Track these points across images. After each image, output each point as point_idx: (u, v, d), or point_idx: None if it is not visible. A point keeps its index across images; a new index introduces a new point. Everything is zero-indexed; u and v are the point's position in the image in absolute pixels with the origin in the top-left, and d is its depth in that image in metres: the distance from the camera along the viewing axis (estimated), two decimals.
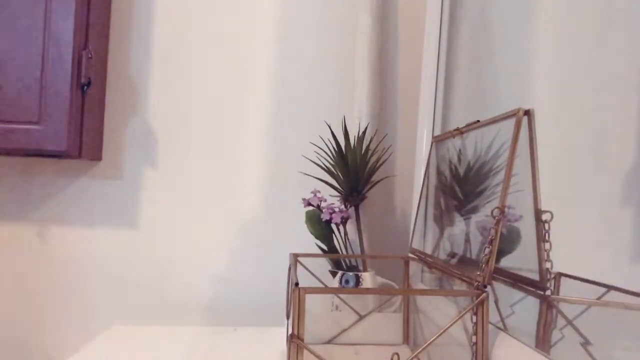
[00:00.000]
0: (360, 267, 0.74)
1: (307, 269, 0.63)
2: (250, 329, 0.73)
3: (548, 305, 0.41)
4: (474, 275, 0.43)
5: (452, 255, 0.61)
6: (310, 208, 0.75)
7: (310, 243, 0.78)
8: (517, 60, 0.58)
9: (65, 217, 0.87)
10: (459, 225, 0.61)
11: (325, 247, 0.76)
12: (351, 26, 0.88)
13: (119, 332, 0.69)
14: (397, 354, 0.50)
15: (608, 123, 0.40)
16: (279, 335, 0.65)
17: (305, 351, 0.38)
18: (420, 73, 0.85)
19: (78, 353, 0.61)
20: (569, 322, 0.40)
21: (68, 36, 0.74)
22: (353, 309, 0.64)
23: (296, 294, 0.38)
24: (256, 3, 0.89)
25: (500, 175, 0.46)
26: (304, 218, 0.77)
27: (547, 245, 0.41)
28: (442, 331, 0.42)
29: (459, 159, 0.62)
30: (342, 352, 0.61)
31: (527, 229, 0.46)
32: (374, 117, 0.85)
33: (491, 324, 0.43)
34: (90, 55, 0.78)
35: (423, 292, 0.44)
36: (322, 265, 0.76)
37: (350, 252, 0.75)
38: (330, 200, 0.76)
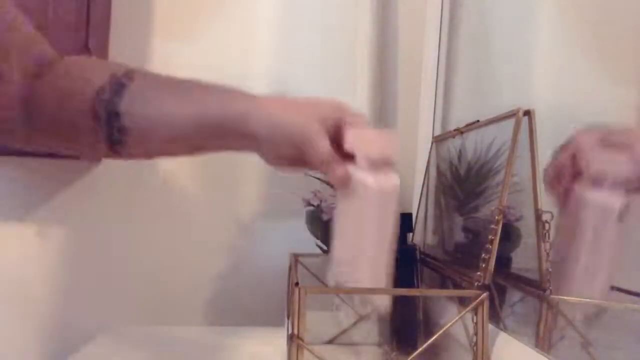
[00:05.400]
0: None
1: (307, 268, 0.63)
2: (250, 329, 0.73)
3: (548, 305, 0.40)
4: (474, 275, 0.43)
5: (452, 255, 0.61)
6: (310, 208, 0.75)
7: (310, 243, 0.78)
8: (517, 60, 0.58)
9: (65, 217, 0.87)
10: (459, 225, 0.61)
11: (325, 247, 0.76)
12: (351, 26, 0.88)
13: (119, 332, 0.69)
14: (397, 354, 0.50)
15: (608, 123, 0.40)
16: (279, 335, 0.65)
17: (305, 351, 0.38)
18: (420, 73, 0.85)
19: (78, 353, 0.61)
20: (569, 322, 0.40)
21: (68, 35, 0.74)
22: (353, 309, 0.64)
23: (296, 294, 0.38)
24: (256, 3, 0.89)
25: (500, 175, 0.46)
26: (304, 218, 0.77)
27: (547, 245, 0.41)
28: (441, 331, 0.42)
29: (459, 159, 0.62)
30: (342, 352, 0.61)
31: (527, 229, 0.46)
32: (374, 117, 0.85)
33: (491, 324, 0.43)
34: (90, 55, 0.78)
35: (423, 292, 0.44)
36: (322, 266, 0.76)
37: None
38: (330, 200, 0.76)
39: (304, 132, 0.43)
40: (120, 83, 0.43)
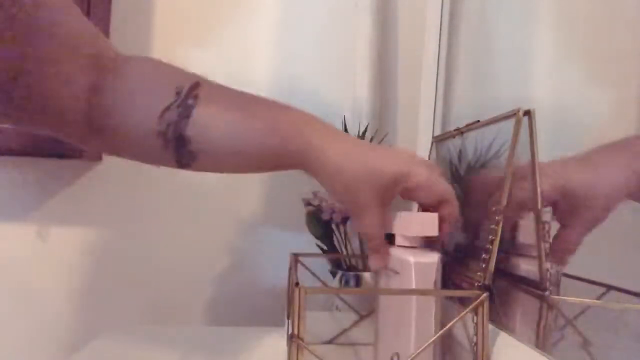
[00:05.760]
0: (360, 267, 0.74)
1: (307, 268, 0.63)
2: (250, 329, 0.73)
3: (548, 306, 0.41)
4: (475, 275, 0.43)
5: (452, 255, 0.61)
6: (311, 208, 0.75)
7: (310, 243, 0.78)
8: (517, 60, 0.58)
9: (65, 217, 0.87)
10: (458, 225, 0.61)
11: (325, 247, 0.76)
12: (351, 26, 0.88)
13: (119, 332, 0.69)
14: (397, 353, 0.50)
15: (608, 123, 0.40)
16: (279, 335, 0.65)
17: (305, 351, 0.38)
18: (420, 73, 0.85)
19: (77, 353, 0.61)
20: (569, 322, 0.40)
21: None
22: (353, 309, 0.64)
23: (296, 294, 0.38)
24: (257, 5, 0.89)
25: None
26: (304, 218, 0.77)
27: (547, 245, 0.41)
28: (441, 331, 0.42)
29: (459, 159, 0.62)
30: (342, 352, 0.61)
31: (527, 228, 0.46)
32: (374, 117, 0.85)
33: (491, 324, 0.43)
34: None
35: (423, 292, 0.44)
36: (322, 265, 0.76)
37: (350, 252, 0.75)
38: (330, 200, 0.76)
39: (357, 204, 0.44)
40: (186, 105, 0.42)
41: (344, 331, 0.63)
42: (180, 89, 0.43)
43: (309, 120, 0.45)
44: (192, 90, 0.43)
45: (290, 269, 0.60)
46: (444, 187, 0.45)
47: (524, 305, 0.45)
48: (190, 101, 0.42)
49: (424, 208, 0.48)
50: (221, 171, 0.48)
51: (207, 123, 0.42)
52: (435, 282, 0.44)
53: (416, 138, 0.85)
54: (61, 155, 0.79)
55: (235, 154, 0.43)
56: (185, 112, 0.42)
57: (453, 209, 0.46)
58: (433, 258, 0.44)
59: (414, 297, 0.44)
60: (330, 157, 0.42)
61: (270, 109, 0.46)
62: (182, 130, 0.42)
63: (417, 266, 0.43)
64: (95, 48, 0.44)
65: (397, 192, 0.45)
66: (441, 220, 0.46)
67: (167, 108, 0.42)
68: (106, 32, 0.86)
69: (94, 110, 0.43)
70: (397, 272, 0.45)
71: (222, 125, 0.43)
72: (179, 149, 0.43)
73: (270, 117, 0.44)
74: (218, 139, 0.43)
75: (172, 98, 0.42)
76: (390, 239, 0.49)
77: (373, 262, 0.46)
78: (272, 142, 0.43)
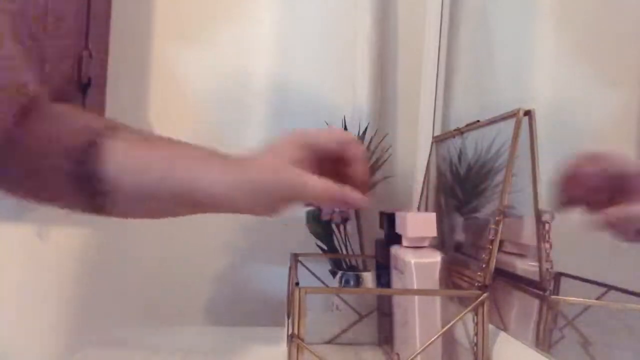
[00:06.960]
0: (361, 267, 0.74)
1: (307, 268, 0.64)
2: (250, 329, 0.73)
3: (548, 305, 0.41)
4: (475, 275, 0.43)
5: (452, 255, 0.61)
6: (310, 208, 0.75)
7: (310, 243, 0.78)
8: (517, 60, 0.58)
9: (65, 217, 0.87)
10: (459, 225, 0.61)
11: (325, 247, 0.76)
12: (351, 26, 0.88)
13: (118, 333, 0.69)
14: (397, 354, 0.50)
15: (608, 123, 0.40)
16: (279, 335, 0.65)
17: (305, 351, 0.38)
18: (420, 73, 0.85)
19: (77, 354, 0.61)
20: (569, 322, 0.41)
21: (68, 37, 0.74)
22: (353, 309, 0.65)
23: (296, 294, 0.38)
24: (256, 5, 0.88)
25: (500, 175, 0.46)
26: (304, 218, 0.77)
27: (547, 245, 0.41)
28: (442, 331, 0.42)
29: (459, 159, 0.62)
30: (342, 352, 0.61)
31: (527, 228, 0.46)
32: (374, 117, 0.85)
33: (491, 324, 0.43)
34: (90, 55, 0.78)
35: (423, 292, 0.44)
36: (322, 265, 0.76)
37: (350, 252, 0.75)
38: None
39: (290, 184, 0.40)
40: (97, 148, 0.43)
41: (344, 331, 0.63)
42: (92, 136, 0.43)
43: (200, 158, 0.46)
44: (104, 135, 0.43)
45: (290, 269, 0.60)
46: (340, 130, 0.44)
47: (524, 305, 0.45)
48: (103, 143, 0.43)
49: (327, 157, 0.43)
50: (138, 217, 0.48)
51: (119, 165, 0.43)
52: (439, 282, 0.45)
53: (416, 138, 0.85)
54: None
55: (152, 204, 0.45)
56: (97, 152, 0.43)
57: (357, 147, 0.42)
58: (434, 258, 0.45)
59: (415, 297, 0.44)
60: (249, 168, 0.43)
61: (181, 148, 0.46)
62: (96, 173, 0.43)
63: (418, 266, 0.44)
64: (17, 81, 0.44)
65: (305, 154, 0.42)
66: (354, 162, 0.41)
67: (83, 151, 0.43)
68: (106, 31, 0.86)
69: (9, 144, 0.44)
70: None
71: (137, 171, 0.43)
72: (91, 191, 0.44)
73: (167, 162, 0.44)
74: (131, 187, 0.43)
75: (85, 145, 0.43)
76: (392, 238, 0.49)
77: (357, 201, 0.40)
78: (167, 187, 0.43)
